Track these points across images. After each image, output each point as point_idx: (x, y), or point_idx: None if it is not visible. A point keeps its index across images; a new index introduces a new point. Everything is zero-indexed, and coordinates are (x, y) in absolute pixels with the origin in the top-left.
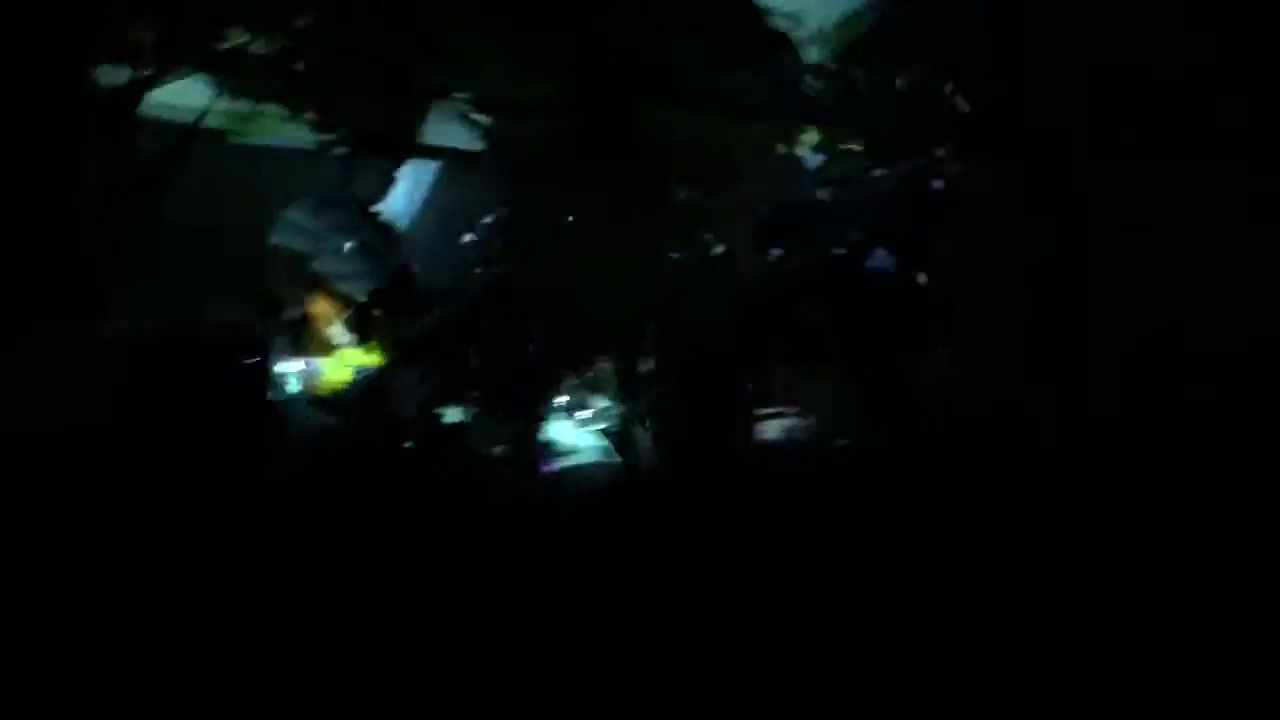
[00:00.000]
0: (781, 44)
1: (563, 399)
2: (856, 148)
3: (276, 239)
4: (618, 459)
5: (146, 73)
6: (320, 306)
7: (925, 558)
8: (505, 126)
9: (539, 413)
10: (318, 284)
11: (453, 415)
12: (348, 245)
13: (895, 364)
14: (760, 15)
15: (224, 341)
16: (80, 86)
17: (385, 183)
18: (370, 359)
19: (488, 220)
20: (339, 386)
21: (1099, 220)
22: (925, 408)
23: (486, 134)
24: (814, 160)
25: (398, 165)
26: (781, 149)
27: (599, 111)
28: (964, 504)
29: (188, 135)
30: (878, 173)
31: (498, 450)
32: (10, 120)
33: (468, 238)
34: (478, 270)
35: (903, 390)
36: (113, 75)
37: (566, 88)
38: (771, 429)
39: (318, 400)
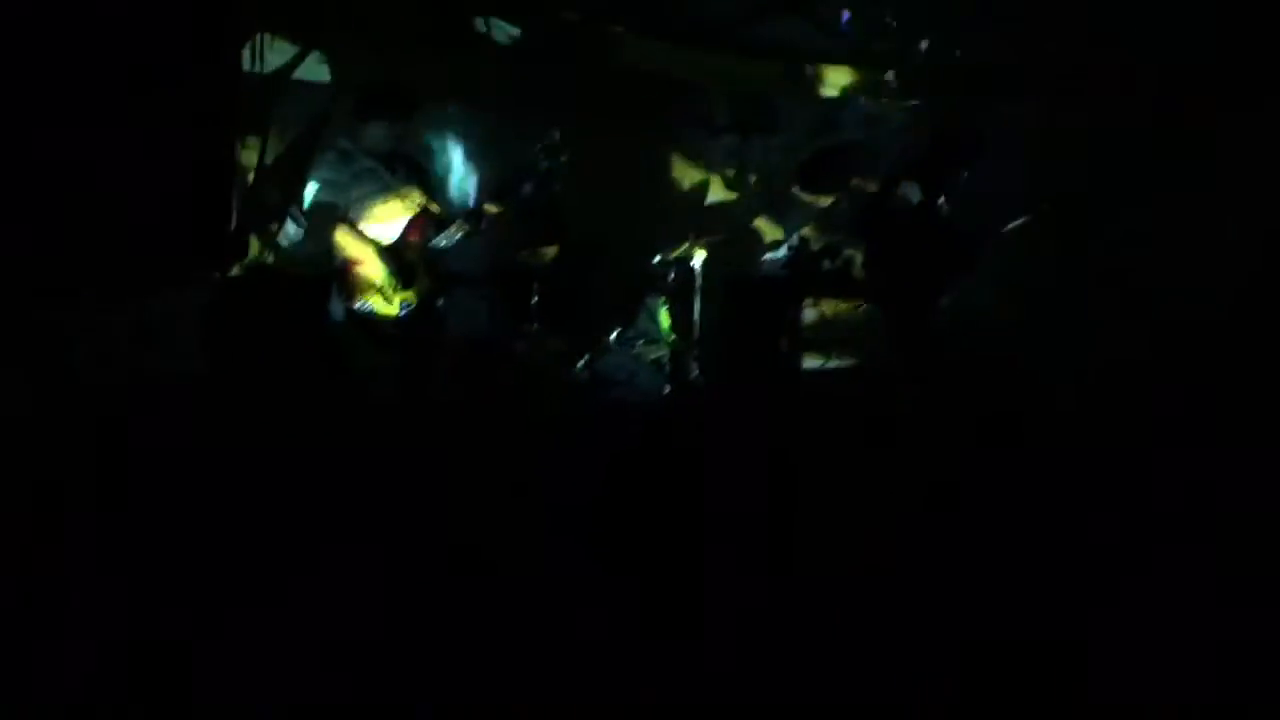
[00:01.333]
0: None
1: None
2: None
3: (315, 199)
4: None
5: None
6: (361, 250)
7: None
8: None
9: (600, 341)
10: (351, 230)
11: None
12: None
13: (920, 296)
14: None
15: (298, 286)
16: (230, 74)
17: (391, 134)
18: (408, 295)
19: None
20: (387, 321)
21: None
22: (946, 340)
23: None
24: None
25: (408, 117)
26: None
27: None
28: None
29: (321, 120)
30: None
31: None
32: (168, 104)
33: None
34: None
35: (926, 322)
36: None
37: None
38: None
39: (372, 333)
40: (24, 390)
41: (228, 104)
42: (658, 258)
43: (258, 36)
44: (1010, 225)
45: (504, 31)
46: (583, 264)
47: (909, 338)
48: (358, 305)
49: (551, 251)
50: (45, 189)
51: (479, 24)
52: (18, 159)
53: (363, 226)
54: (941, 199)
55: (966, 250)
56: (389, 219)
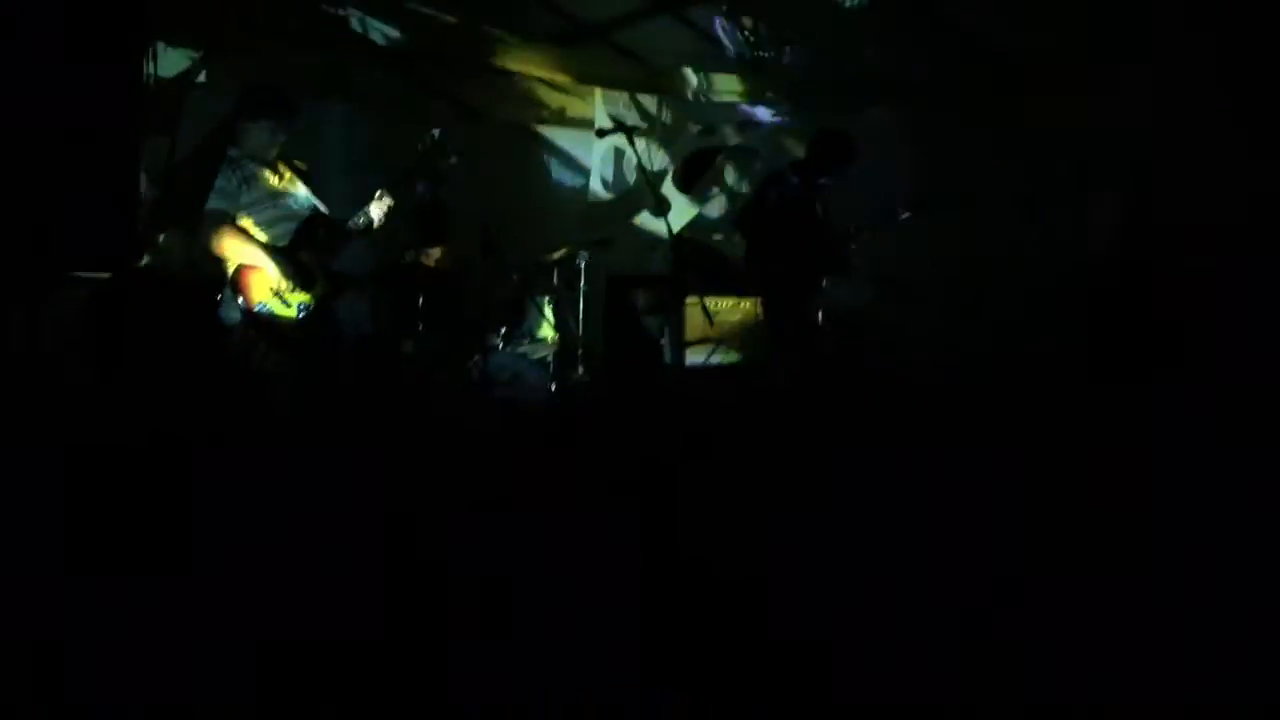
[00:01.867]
0: None
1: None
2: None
3: (210, 204)
4: (553, 384)
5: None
6: (253, 255)
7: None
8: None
9: (485, 341)
10: (243, 235)
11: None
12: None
13: (797, 293)
14: None
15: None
16: (134, 75)
17: (275, 137)
18: (304, 298)
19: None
20: (286, 323)
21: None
22: (822, 336)
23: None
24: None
25: (288, 121)
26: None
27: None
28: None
29: (227, 122)
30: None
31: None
32: (75, 105)
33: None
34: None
35: (802, 319)
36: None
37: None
38: (694, 354)
39: (270, 336)
40: None
41: (133, 106)
42: (543, 257)
43: (158, 40)
44: (878, 223)
45: (380, 32)
46: (468, 264)
47: (787, 331)
48: (255, 307)
49: (436, 252)
50: None
51: (355, 24)
52: None
53: (255, 232)
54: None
55: (840, 247)
56: (278, 224)
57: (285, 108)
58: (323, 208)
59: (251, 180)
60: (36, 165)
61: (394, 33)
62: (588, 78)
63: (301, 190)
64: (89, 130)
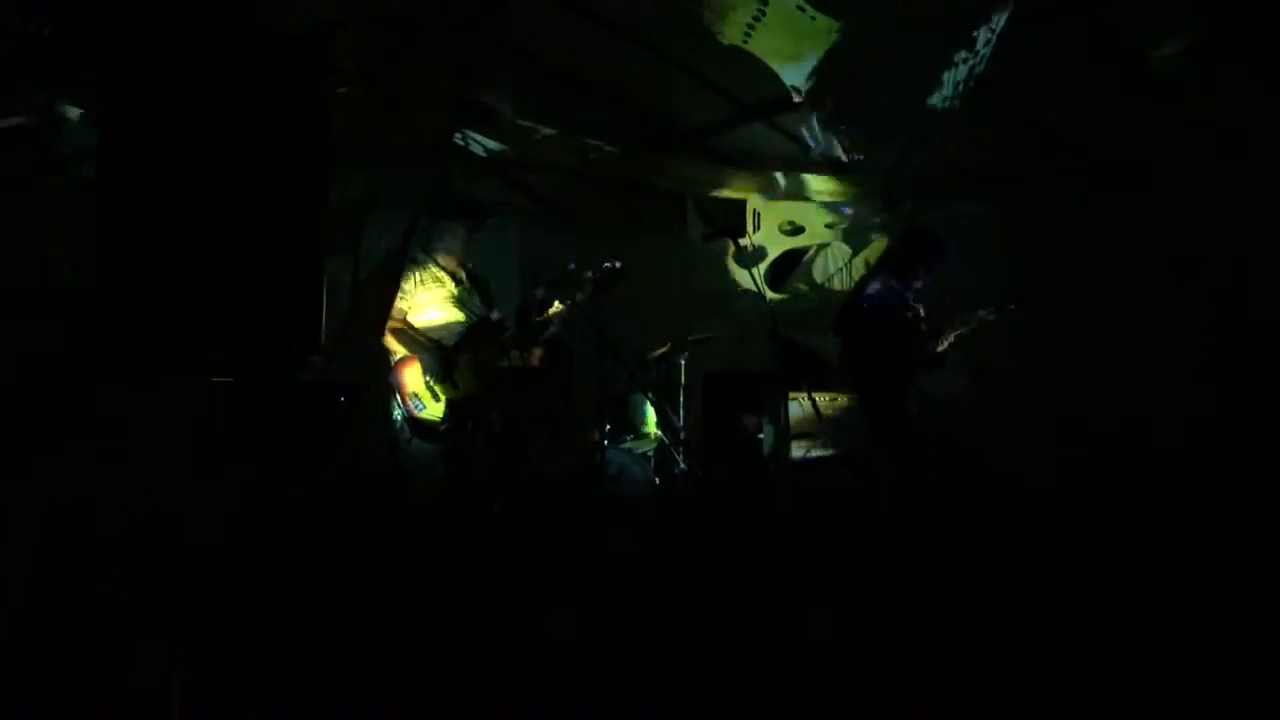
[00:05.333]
0: (795, 103)
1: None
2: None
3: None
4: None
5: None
6: (411, 348)
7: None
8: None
9: (594, 438)
10: (410, 330)
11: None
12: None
13: (894, 390)
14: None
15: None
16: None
17: (463, 240)
18: (453, 393)
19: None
20: (436, 420)
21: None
22: (918, 431)
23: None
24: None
25: (479, 226)
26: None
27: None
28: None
29: (405, 242)
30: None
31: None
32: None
33: (539, 292)
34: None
35: (900, 415)
36: None
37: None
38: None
39: (420, 431)
40: None
41: (321, 228)
42: (646, 355)
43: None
44: (973, 319)
45: (479, 145)
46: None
47: (886, 426)
48: (409, 399)
49: (539, 352)
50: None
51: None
52: (143, 282)
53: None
54: (910, 295)
55: (935, 345)
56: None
57: (474, 212)
58: (495, 314)
59: (429, 282)
60: (242, 278)
61: (492, 144)
62: (683, 183)
63: (475, 299)
64: (283, 252)
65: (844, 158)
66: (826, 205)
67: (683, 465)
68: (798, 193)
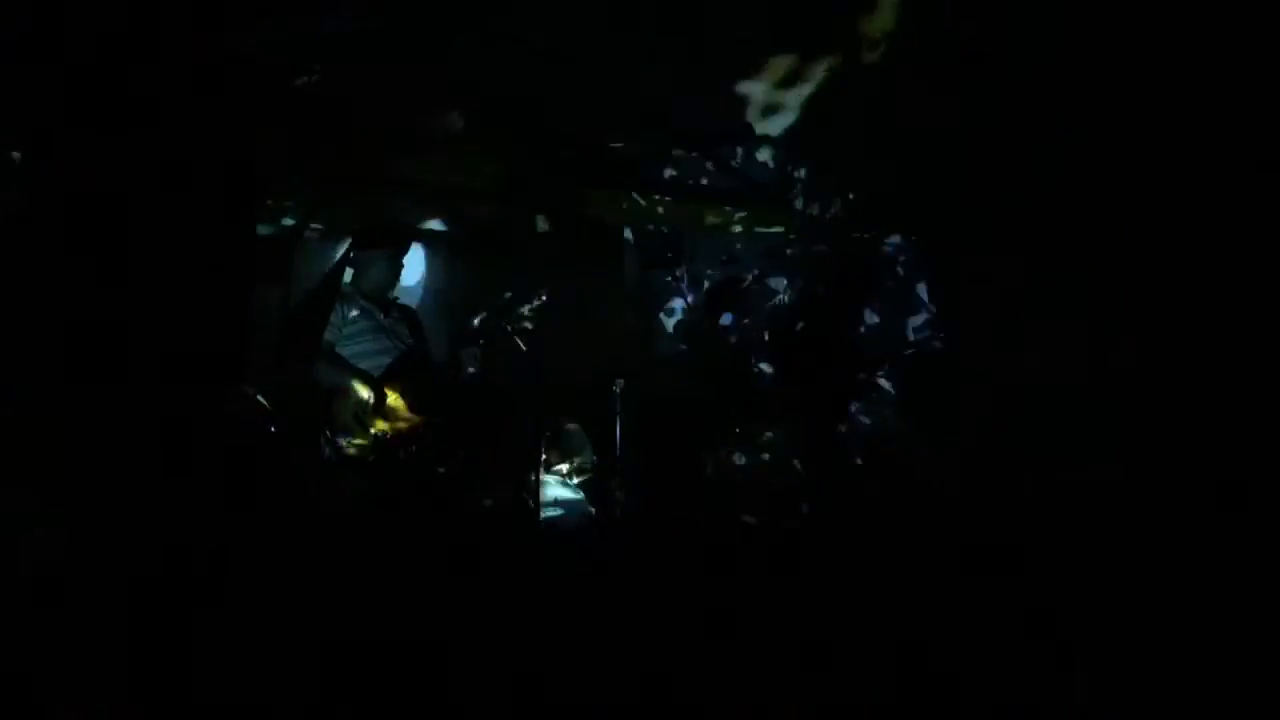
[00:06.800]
0: (731, 135)
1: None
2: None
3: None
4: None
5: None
6: (341, 380)
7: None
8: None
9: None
10: (339, 362)
11: None
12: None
13: (827, 415)
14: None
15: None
16: (249, 230)
17: (394, 271)
18: (383, 426)
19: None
20: (364, 451)
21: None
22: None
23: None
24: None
25: (403, 254)
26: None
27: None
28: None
29: (339, 266)
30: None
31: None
32: (189, 259)
33: (476, 320)
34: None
35: (833, 439)
36: None
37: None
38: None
39: (349, 464)
40: None
41: (248, 257)
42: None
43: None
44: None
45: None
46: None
47: (816, 451)
48: (339, 432)
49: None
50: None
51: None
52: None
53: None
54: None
55: (866, 374)
56: (377, 356)
57: (398, 243)
58: (429, 346)
59: (360, 315)
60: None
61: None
62: (616, 214)
63: (404, 329)
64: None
65: (773, 190)
66: (764, 235)
67: (619, 494)
68: (734, 223)
